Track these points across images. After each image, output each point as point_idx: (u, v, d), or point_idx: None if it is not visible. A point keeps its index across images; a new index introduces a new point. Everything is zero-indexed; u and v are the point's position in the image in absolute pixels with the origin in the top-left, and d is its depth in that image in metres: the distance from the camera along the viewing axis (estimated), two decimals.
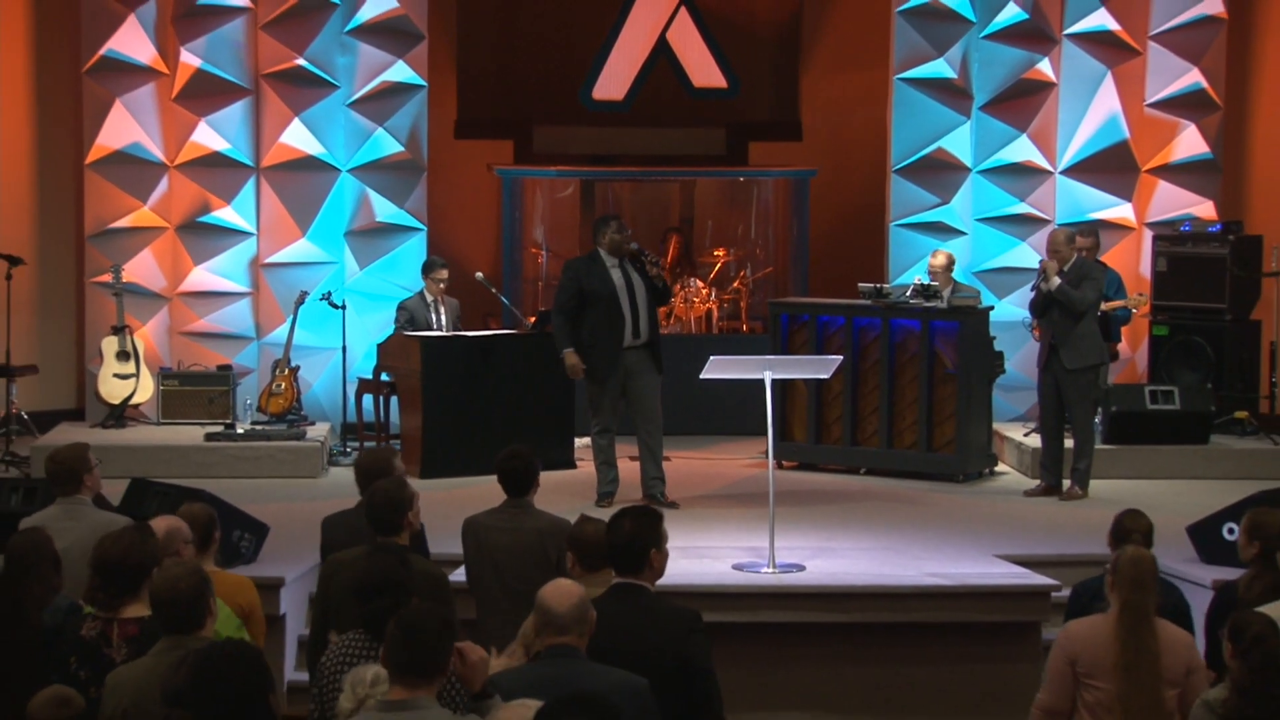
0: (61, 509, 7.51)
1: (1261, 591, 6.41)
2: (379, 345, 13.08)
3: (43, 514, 7.59)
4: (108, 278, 13.55)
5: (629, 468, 11.73)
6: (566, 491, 11.05)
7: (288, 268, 13.99)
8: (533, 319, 13.50)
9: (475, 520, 7.57)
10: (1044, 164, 14.31)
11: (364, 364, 13.47)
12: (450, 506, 10.01)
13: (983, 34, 14.18)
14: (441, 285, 12.84)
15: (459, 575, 7.90)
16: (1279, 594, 6.38)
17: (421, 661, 4.89)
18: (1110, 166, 14.28)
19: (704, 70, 14.79)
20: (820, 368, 10.90)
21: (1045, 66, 14.24)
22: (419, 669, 4.88)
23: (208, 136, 13.92)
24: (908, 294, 12.58)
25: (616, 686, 5.16)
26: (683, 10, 14.64)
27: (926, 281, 12.58)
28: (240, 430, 12.72)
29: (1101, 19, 14.17)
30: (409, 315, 12.76)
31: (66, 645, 5.85)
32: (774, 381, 9.80)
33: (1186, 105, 14.26)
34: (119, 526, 6.71)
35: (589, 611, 5.39)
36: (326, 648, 6.03)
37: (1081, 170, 14.29)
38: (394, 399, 12.95)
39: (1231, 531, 9.63)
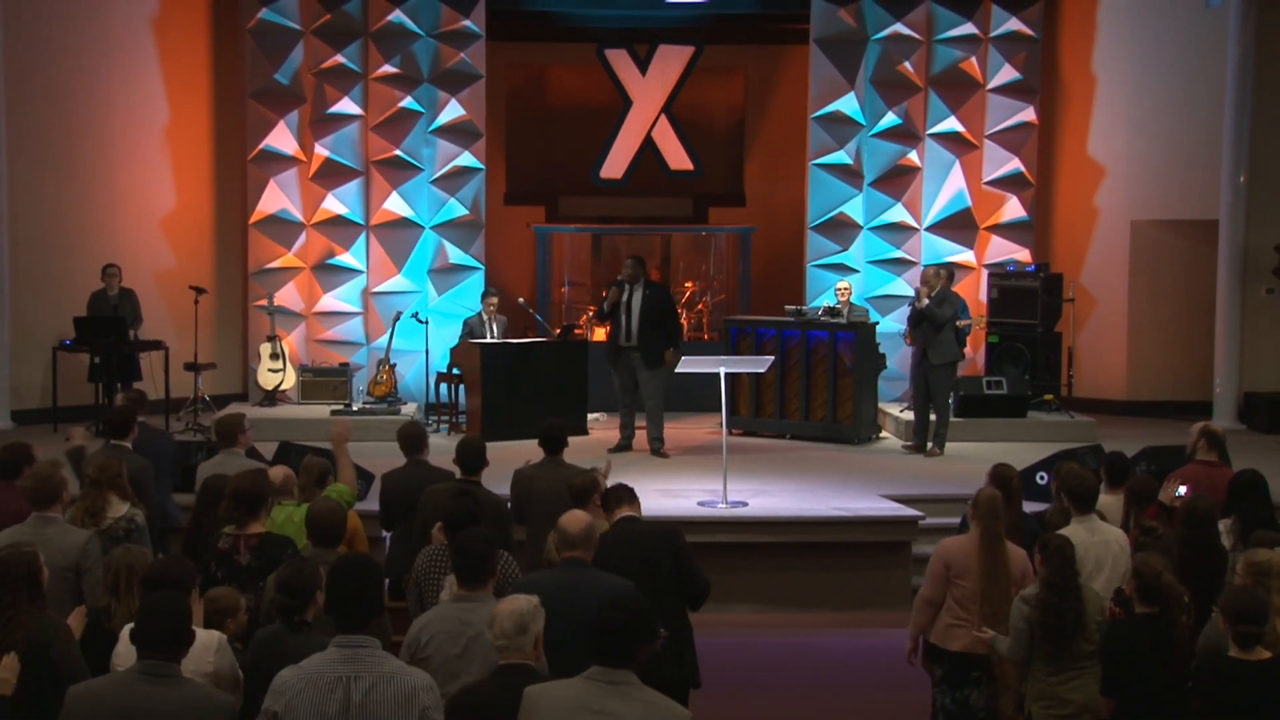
0: (224, 458, 7.39)
1: (1061, 519, 6.41)
2: (451, 349, 13.07)
3: (211, 461, 7.47)
4: (264, 302, 13.56)
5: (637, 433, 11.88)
6: (580, 451, 11.02)
7: (388, 295, 13.98)
8: (558, 331, 13.46)
9: (523, 471, 7.49)
10: (913, 223, 14.32)
11: (440, 362, 13.44)
12: (503, 461, 9.97)
13: (870, 133, 14.20)
14: (493, 307, 12.81)
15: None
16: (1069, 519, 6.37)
17: (473, 569, 4.83)
18: (959, 225, 14.31)
19: (677, 157, 14.83)
20: (759, 365, 10.91)
21: (914, 156, 14.26)
22: (473, 575, 4.84)
23: (333, 204, 13.92)
24: (820, 313, 12.59)
25: (612, 586, 5.15)
26: (663, 117, 14.71)
27: (833, 304, 12.61)
28: (355, 408, 12.70)
29: (952, 124, 14.20)
30: (470, 328, 12.75)
31: (208, 554, 5.87)
32: (726, 374, 9.83)
33: (1010, 183, 14.29)
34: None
35: (594, 534, 5.36)
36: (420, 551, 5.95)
37: (939, 228, 14.31)
38: (461, 387, 12.94)
39: (1042, 478, 9.67)
